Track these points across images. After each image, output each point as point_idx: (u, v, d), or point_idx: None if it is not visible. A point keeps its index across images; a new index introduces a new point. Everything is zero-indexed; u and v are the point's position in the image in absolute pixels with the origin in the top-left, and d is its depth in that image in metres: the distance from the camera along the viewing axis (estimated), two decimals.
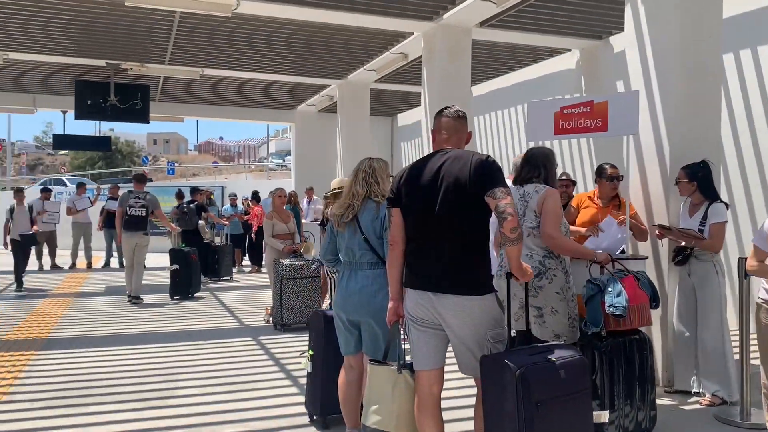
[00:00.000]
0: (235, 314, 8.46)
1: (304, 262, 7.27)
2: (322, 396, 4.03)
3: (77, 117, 11.80)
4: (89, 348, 6.36)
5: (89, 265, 14.18)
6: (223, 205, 16.28)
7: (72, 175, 38.14)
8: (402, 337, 3.19)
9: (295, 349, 6.32)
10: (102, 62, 11.35)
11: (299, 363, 5.61)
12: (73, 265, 14.08)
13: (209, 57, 11.13)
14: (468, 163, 2.88)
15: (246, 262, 14.40)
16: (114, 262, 14.49)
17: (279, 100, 15.68)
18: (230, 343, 6.68)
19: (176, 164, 47.85)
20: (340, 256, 3.65)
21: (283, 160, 40.57)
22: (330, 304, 5.87)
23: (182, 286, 9.78)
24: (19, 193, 11.43)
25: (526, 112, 9.52)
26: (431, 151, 3.16)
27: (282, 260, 7.23)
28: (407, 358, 3.10)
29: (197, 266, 10.12)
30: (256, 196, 14.08)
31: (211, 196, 14.95)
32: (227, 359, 5.99)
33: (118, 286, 11.26)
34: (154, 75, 12.24)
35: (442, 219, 2.89)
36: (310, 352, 4.11)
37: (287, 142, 59.14)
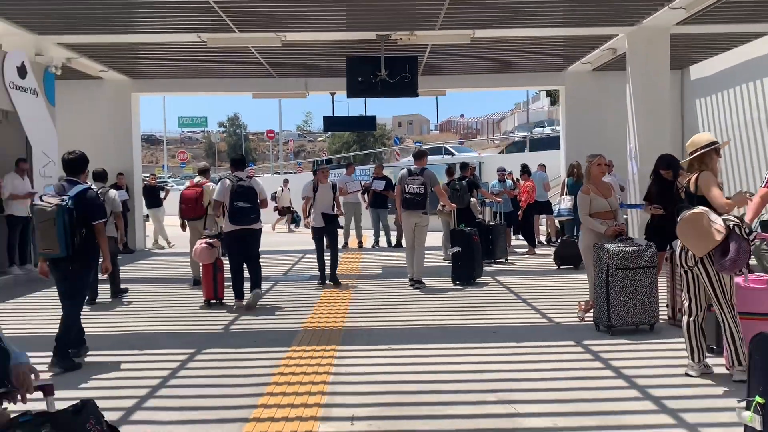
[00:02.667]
0: (533, 306, 7.25)
1: (637, 248, 5.73)
2: None
3: (349, 95, 11.56)
4: (392, 344, 5.59)
5: (360, 245, 14.18)
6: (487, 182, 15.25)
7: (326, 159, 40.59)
8: None
9: (642, 363, 4.87)
10: (372, 35, 10.87)
11: (670, 386, 4.18)
12: (345, 245, 14.17)
13: (483, 15, 9.99)
14: None
15: (516, 242, 13.20)
16: (382, 242, 14.33)
17: (548, 61, 14.07)
18: (549, 346, 5.45)
19: (422, 144, 48.67)
20: None
21: (531, 132, 38.59)
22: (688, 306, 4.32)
23: (464, 270, 8.86)
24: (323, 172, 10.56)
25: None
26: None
27: (606, 245, 5.77)
28: None
29: (480, 248, 9.13)
30: (526, 170, 12.73)
31: (475, 172, 14.02)
32: (557, 369, 4.76)
33: (393, 267, 10.82)
34: (421, 45, 11.51)
35: None
36: (760, 400, 2.65)
37: (531, 114, 56.90)
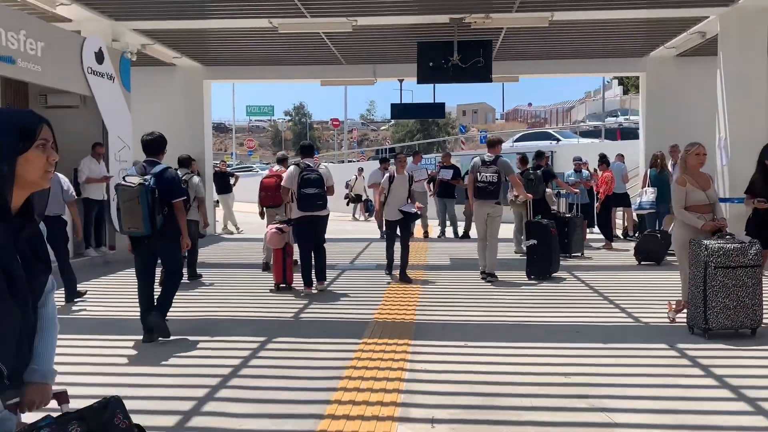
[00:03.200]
0: (617, 304, 6.81)
1: (739, 245, 5.23)
2: None
3: (420, 80, 11.25)
4: (468, 341, 5.31)
5: (425, 235, 13.90)
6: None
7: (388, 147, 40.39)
8: None
9: (749, 372, 4.43)
10: (445, 18, 10.52)
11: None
12: (412, 234, 13.89)
13: None
14: None
15: (591, 235, 12.63)
16: (448, 232, 14.01)
17: (628, 46, 13.35)
18: (640, 349, 5.05)
19: (488, 132, 47.82)
20: None
21: (603, 122, 37.15)
22: None
23: (540, 265, 8.46)
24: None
25: None
26: None
27: (704, 241, 5.30)
28: None
29: (557, 242, 8.70)
30: (604, 160, 12.11)
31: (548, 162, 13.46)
32: (651, 375, 4.38)
33: (461, 259, 10.51)
34: (496, 28, 11.09)
35: None
36: None
37: (600, 103, 54.95)
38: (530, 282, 8.28)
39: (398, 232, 8.54)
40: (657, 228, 10.41)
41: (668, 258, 9.86)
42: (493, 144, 8.74)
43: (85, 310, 6.76)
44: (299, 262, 7.82)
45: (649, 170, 10.38)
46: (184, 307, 6.79)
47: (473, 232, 13.43)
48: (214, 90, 15.67)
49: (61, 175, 7.23)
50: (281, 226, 7.78)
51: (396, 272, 8.48)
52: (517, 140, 26.01)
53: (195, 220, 8.03)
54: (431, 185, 14.31)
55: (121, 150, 10.95)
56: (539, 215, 9.24)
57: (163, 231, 5.13)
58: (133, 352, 5.12)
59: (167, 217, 5.14)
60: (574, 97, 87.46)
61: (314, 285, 7.51)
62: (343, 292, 7.68)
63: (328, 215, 7.68)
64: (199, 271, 8.67)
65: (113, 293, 7.72)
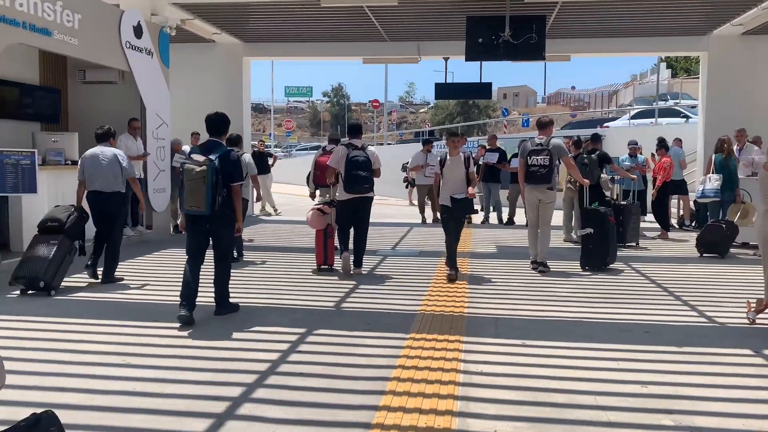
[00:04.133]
0: (685, 301, 6.23)
1: None
2: None
3: (468, 58, 10.72)
4: (526, 339, 4.84)
5: (469, 221, 13.35)
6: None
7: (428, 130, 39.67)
8: None
9: None
10: None
11: None
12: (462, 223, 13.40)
13: None
14: None
15: (644, 224, 11.93)
16: (492, 218, 13.47)
17: (690, 23, 12.51)
18: (721, 354, 4.50)
19: (529, 116, 46.74)
20: None
21: (652, 105, 35.75)
22: None
23: (596, 255, 7.90)
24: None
25: None
26: None
27: None
28: None
29: (615, 231, 8.12)
30: (663, 144, 11.36)
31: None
32: (742, 387, 3.85)
33: (507, 246, 9.99)
34: (551, 2, 10.44)
35: None
36: None
37: (648, 87, 53.10)
38: (585, 273, 7.74)
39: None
40: (721, 218, 9.72)
41: (732, 250, 9.20)
42: (544, 125, 8.16)
43: (119, 292, 6.49)
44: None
45: (714, 156, 9.65)
46: None
47: (518, 219, 12.91)
48: (252, 70, 15.33)
49: (118, 151, 7.10)
50: (323, 206, 7.67)
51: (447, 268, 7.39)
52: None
53: (246, 199, 8.09)
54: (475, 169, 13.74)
55: (159, 127, 10.69)
56: (596, 202, 8.63)
57: (221, 212, 5.14)
58: (162, 341, 4.79)
59: (225, 199, 5.14)
60: (619, 80, 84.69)
61: (352, 269, 7.41)
62: (386, 280, 7.27)
63: (372, 198, 7.53)
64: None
65: (149, 274, 7.45)
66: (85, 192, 6.85)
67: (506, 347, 4.64)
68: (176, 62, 12.09)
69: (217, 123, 5.34)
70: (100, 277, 6.85)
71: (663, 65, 59.10)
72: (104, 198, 6.80)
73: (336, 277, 7.32)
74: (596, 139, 10.41)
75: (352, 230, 7.50)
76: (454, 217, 7.49)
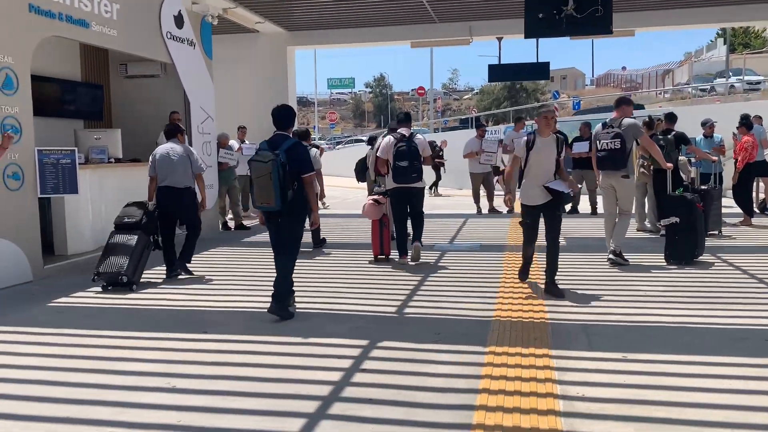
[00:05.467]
0: None
1: None
2: None
3: (528, 35, 9.90)
4: (627, 351, 4.14)
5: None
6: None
7: (470, 117, 38.68)
8: None
9: None
10: None
11: None
12: (512, 210, 12.61)
13: None
14: None
15: (727, 209, 10.93)
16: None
17: None
18: None
19: (580, 99, 45.22)
20: None
21: (711, 85, 33.93)
22: None
23: (684, 247, 7.09)
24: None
25: None
26: None
27: None
28: None
29: (702, 218, 7.28)
30: (745, 122, 10.33)
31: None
32: None
33: (576, 238, 9.21)
34: None
35: None
36: None
37: (705, 64, 50.70)
38: (671, 268, 6.95)
39: (542, 220, 5.94)
40: None
41: None
42: (618, 104, 7.39)
43: (178, 295, 6.06)
44: (395, 235, 7.61)
45: None
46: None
47: (582, 207, 12.08)
48: (296, 63, 14.86)
49: (188, 147, 7.14)
50: (378, 197, 7.67)
51: (536, 281, 6.24)
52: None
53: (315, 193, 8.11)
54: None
55: (204, 122, 10.29)
56: (680, 188, 7.79)
57: (292, 206, 5.08)
58: (209, 357, 4.28)
59: (296, 192, 5.09)
60: (671, 59, 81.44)
61: (409, 255, 7.40)
62: (449, 279, 6.64)
63: (423, 188, 7.58)
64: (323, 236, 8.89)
65: (205, 272, 7.02)
66: (156, 187, 6.87)
67: (605, 363, 3.96)
68: (219, 54, 11.70)
69: (283, 116, 5.30)
70: (181, 273, 6.90)
71: (720, 41, 56.48)
72: (176, 193, 6.82)
73: (394, 270, 7.09)
74: (671, 118, 9.50)
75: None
76: (547, 211, 5.82)
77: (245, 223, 11.10)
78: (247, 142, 12.89)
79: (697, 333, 4.59)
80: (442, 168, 17.43)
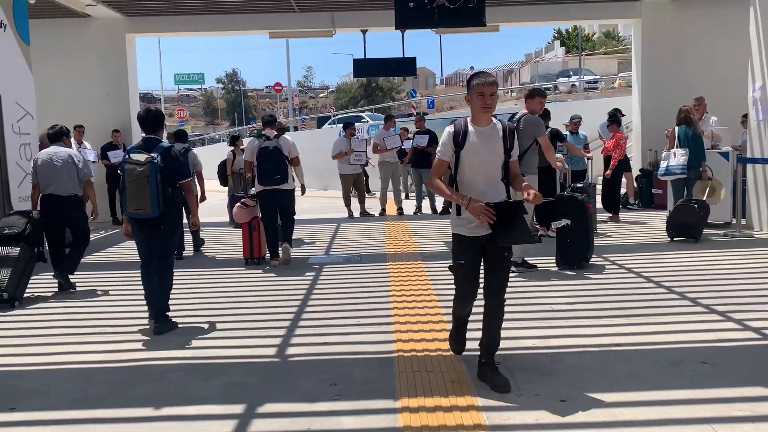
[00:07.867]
0: (709, 307, 5.12)
1: None
2: None
3: (398, 26, 9.28)
4: (563, 393, 3.47)
5: (399, 211, 11.97)
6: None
7: (344, 113, 38.13)
8: None
9: None
10: None
11: None
12: (383, 212, 12.00)
13: None
14: None
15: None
16: (425, 207, 12.15)
17: None
18: None
19: (433, 98, 46.24)
20: None
21: (554, 84, 35.89)
22: None
23: (575, 251, 6.69)
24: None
25: None
26: None
27: None
28: None
29: (592, 219, 6.97)
30: (615, 119, 10.20)
31: None
32: None
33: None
34: None
35: None
36: None
37: (545, 65, 54.01)
38: (567, 273, 6.54)
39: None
40: (686, 197, 8.84)
41: (706, 232, 8.33)
42: (531, 95, 6.89)
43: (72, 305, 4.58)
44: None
45: (677, 128, 8.72)
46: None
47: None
48: (137, 55, 13.13)
49: (73, 152, 6.66)
50: (246, 200, 7.59)
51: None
52: None
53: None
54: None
55: (21, 120, 8.52)
56: (569, 187, 7.45)
57: (167, 212, 4.84)
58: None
59: (170, 198, 4.85)
60: (512, 59, 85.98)
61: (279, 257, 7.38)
62: (334, 302, 5.70)
63: (292, 190, 7.52)
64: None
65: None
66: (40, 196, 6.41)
67: (544, 414, 3.24)
68: (42, 41, 9.93)
69: (151, 119, 5.02)
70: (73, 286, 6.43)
71: (557, 43, 60.52)
72: (61, 202, 6.34)
73: (270, 288, 6.37)
74: (545, 115, 9.25)
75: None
76: (494, 253, 3.62)
77: None
78: (86, 143, 11.13)
79: (627, 357, 4.04)
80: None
